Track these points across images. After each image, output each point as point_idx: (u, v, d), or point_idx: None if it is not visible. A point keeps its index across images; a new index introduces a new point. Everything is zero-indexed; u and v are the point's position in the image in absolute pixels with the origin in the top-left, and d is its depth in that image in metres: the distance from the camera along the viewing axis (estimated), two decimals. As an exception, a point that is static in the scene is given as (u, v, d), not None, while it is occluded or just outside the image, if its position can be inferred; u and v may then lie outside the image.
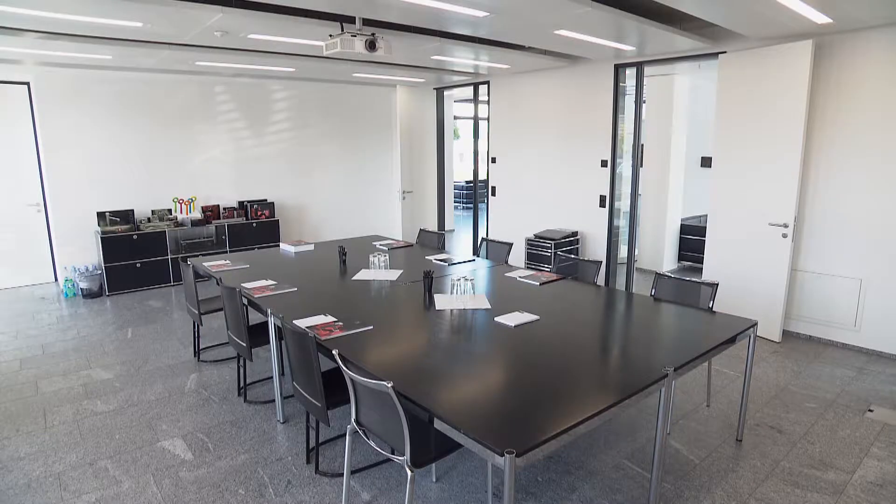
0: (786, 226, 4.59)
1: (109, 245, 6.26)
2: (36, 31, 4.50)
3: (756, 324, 3.00)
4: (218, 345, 4.71)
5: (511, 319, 2.98)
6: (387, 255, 4.36)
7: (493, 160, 7.61)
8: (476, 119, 8.47)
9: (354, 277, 4.03)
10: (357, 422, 2.43)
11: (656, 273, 3.68)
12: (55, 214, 6.36)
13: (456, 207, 12.62)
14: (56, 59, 5.63)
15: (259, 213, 7.45)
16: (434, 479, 2.84)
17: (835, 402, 3.71)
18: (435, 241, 5.45)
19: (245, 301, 3.48)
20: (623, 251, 6.70)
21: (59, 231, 6.40)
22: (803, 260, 4.79)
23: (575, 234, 6.56)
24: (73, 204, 6.39)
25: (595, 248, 6.49)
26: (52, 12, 3.82)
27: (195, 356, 4.47)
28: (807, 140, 4.54)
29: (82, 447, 3.16)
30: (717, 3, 3.75)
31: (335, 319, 3.00)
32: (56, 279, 6.69)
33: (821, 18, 3.92)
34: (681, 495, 2.72)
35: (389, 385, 2.03)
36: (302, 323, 2.88)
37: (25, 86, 6.21)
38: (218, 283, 3.82)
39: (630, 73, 6.01)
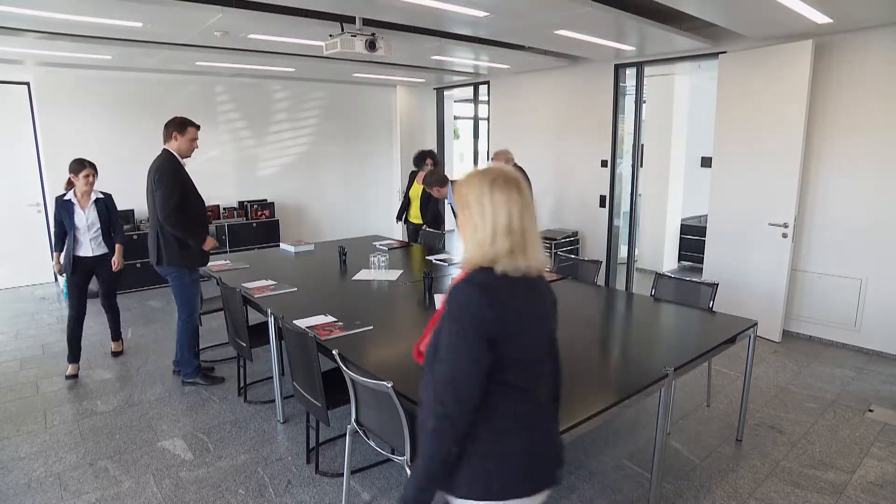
0: (786, 226, 4.59)
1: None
2: (36, 32, 4.50)
3: (756, 324, 3.00)
4: (218, 345, 4.71)
5: (511, 319, 2.97)
6: (387, 255, 4.36)
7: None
8: (476, 119, 8.48)
9: (354, 277, 4.03)
10: (357, 422, 2.43)
11: (656, 273, 3.68)
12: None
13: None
14: (56, 59, 5.63)
15: (259, 213, 7.45)
16: (434, 479, 2.84)
17: (835, 402, 3.71)
18: (436, 241, 5.45)
19: (244, 301, 3.48)
20: (623, 251, 6.70)
21: (59, 231, 6.39)
22: (803, 260, 4.79)
23: (575, 233, 6.56)
24: (73, 204, 6.38)
25: (595, 248, 6.49)
26: (53, 12, 3.82)
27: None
28: (807, 140, 4.54)
29: (82, 447, 3.16)
30: (718, 3, 3.75)
31: (335, 319, 3.00)
32: (56, 279, 6.68)
33: (821, 18, 3.92)
34: (681, 495, 2.72)
35: (389, 385, 2.02)
36: (302, 323, 2.87)
37: (25, 86, 6.21)
38: (218, 284, 3.82)
39: (630, 73, 6.01)
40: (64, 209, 4.00)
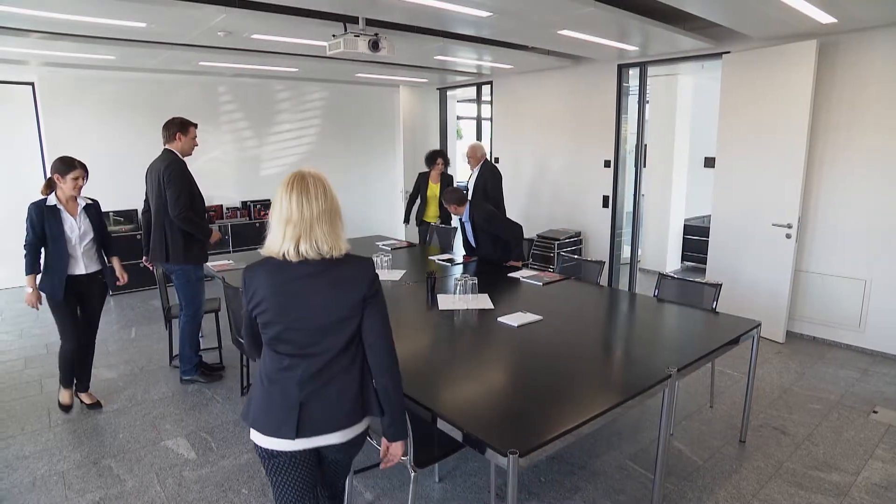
0: (789, 226, 4.58)
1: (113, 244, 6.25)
2: (40, 32, 4.51)
3: (759, 325, 2.99)
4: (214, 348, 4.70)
5: (514, 319, 2.98)
6: (390, 255, 4.36)
7: (496, 160, 7.60)
8: (479, 119, 8.47)
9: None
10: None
11: (659, 273, 3.68)
12: (59, 214, 6.38)
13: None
14: (60, 59, 5.64)
15: (262, 212, 7.46)
16: (437, 480, 2.84)
17: (839, 403, 3.69)
18: (449, 237, 5.42)
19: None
20: (626, 251, 6.69)
21: (63, 231, 6.42)
22: (807, 261, 4.77)
23: (578, 234, 6.55)
24: (76, 204, 6.40)
25: (598, 249, 6.48)
26: (57, 13, 3.83)
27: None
28: (811, 140, 4.52)
29: (86, 446, 3.16)
30: (721, 3, 3.75)
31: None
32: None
33: (825, 18, 3.91)
34: (684, 496, 2.72)
35: (392, 385, 2.02)
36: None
37: (30, 86, 6.23)
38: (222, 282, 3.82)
39: (633, 74, 6.00)
40: (52, 217, 3.29)
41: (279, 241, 1.63)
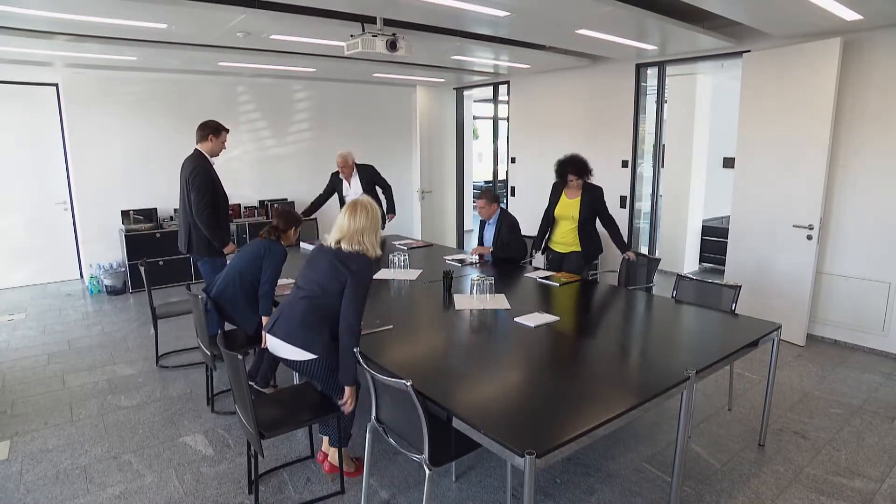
0: (811, 227, 4.50)
1: (133, 243, 6.36)
2: (66, 34, 4.59)
3: (780, 327, 2.94)
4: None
5: (530, 320, 2.97)
6: (406, 254, 4.38)
7: (513, 160, 7.59)
8: (496, 119, 8.45)
9: (375, 276, 4.04)
10: (377, 419, 2.44)
11: (677, 275, 3.64)
12: (81, 213, 6.50)
13: (474, 207, 12.59)
14: (84, 60, 5.74)
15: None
16: (454, 478, 2.84)
17: (861, 408, 3.62)
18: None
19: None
20: (643, 252, 6.63)
21: (85, 229, 6.54)
22: (829, 262, 4.69)
23: (594, 234, 6.49)
24: (98, 202, 6.51)
25: (614, 250, 6.41)
26: (83, 15, 3.90)
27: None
28: (833, 140, 4.44)
29: (107, 441, 3.22)
30: (742, 1, 3.70)
31: (355, 318, 3.02)
32: (81, 276, 6.82)
33: (850, 15, 3.83)
34: (701, 499, 2.69)
35: (409, 384, 2.03)
36: (322, 321, 2.90)
37: (54, 87, 6.34)
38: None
39: (652, 73, 5.94)
40: None
41: (330, 236, 2.60)
